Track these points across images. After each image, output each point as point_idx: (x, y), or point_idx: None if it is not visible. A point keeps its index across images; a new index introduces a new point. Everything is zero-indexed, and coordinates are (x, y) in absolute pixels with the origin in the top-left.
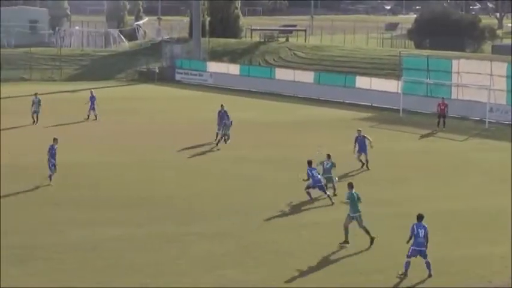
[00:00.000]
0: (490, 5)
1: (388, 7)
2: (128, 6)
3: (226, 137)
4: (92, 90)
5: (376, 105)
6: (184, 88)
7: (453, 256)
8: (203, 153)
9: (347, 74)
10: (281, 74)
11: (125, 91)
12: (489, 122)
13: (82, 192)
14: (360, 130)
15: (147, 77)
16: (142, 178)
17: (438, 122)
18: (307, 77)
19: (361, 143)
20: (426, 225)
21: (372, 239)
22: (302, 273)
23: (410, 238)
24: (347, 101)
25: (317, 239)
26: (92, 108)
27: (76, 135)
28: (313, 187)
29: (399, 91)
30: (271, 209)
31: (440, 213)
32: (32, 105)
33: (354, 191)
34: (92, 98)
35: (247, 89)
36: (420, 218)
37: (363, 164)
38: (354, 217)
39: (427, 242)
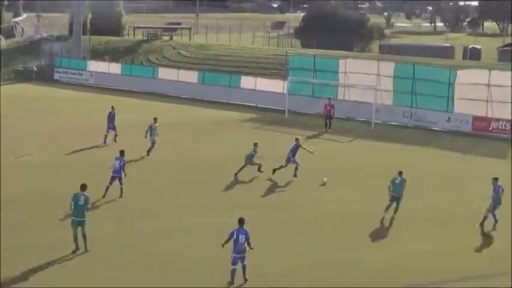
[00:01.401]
0: (378, 4)
1: (275, 5)
2: (6, 3)
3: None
4: None
5: (261, 105)
6: (62, 88)
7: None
8: (87, 156)
9: (232, 74)
10: (164, 73)
11: None
12: (375, 123)
13: None
14: (298, 139)
15: (24, 76)
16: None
17: (325, 124)
18: (191, 76)
19: (294, 152)
20: (248, 230)
21: (75, 251)
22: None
23: (226, 242)
24: (232, 102)
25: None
26: None
27: None
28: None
29: (285, 91)
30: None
31: (324, 218)
32: None
33: (85, 192)
34: None
35: (129, 89)
36: (241, 222)
37: (276, 169)
38: (75, 221)
39: (248, 246)
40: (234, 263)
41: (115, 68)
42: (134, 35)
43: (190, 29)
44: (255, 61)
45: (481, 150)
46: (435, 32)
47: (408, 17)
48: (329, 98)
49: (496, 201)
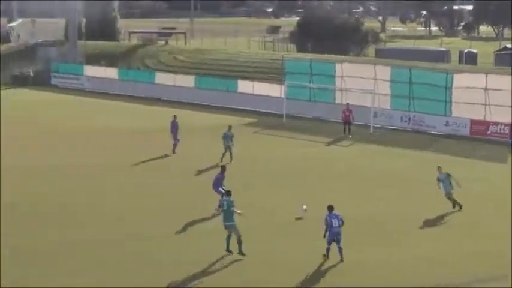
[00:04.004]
0: (372, 8)
1: (270, 9)
2: (2, 7)
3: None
4: None
5: (259, 110)
6: (60, 92)
7: None
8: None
9: (229, 78)
10: (161, 78)
11: None
12: (373, 127)
13: None
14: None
15: (20, 81)
16: None
17: (344, 129)
18: (187, 81)
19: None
20: None
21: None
22: None
23: None
24: (229, 106)
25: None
26: None
27: None
28: None
29: (282, 96)
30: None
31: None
32: None
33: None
34: None
35: (126, 93)
36: None
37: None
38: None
39: None
40: None
41: (112, 72)
42: (129, 40)
43: (185, 33)
44: (251, 65)
45: (480, 154)
46: (430, 36)
47: (403, 21)
48: (347, 103)
49: (333, 234)
